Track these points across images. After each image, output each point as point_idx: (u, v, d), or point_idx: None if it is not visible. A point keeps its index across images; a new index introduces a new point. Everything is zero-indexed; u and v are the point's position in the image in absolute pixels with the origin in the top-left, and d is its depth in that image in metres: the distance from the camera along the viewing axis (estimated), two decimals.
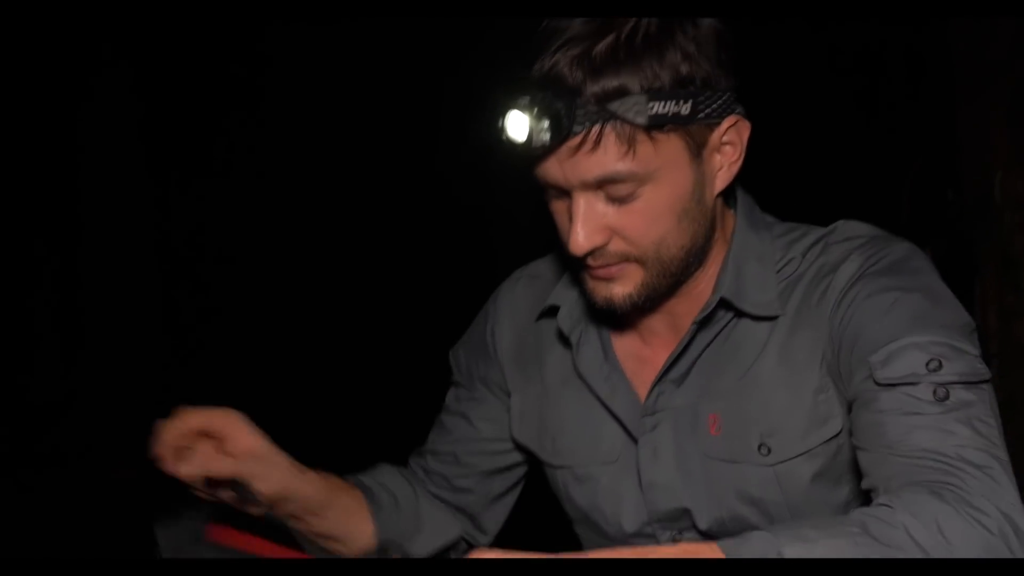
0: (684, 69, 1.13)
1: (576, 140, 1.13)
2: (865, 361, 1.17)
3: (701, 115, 1.16)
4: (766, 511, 1.29)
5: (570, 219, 1.20)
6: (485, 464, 1.51)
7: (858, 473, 1.28)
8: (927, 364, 1.13)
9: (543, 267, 1.49)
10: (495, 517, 1.53)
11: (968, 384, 1.13)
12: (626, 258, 1.22)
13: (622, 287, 1.24)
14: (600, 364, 1.36)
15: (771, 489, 1.28)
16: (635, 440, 1.34)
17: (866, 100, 5.24)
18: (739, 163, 1.24)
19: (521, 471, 1.53)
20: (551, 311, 1.40)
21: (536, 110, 1.10)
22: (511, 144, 1.14)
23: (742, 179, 1.32)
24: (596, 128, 1.12)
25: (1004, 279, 3.17)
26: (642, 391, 1.35)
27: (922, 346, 1.14)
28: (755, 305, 1.28)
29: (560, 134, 1.12)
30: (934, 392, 1.11)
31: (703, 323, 1.30)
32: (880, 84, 5.04)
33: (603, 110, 1.11)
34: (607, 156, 1.14)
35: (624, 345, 1.37)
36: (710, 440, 1.30)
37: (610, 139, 1.13)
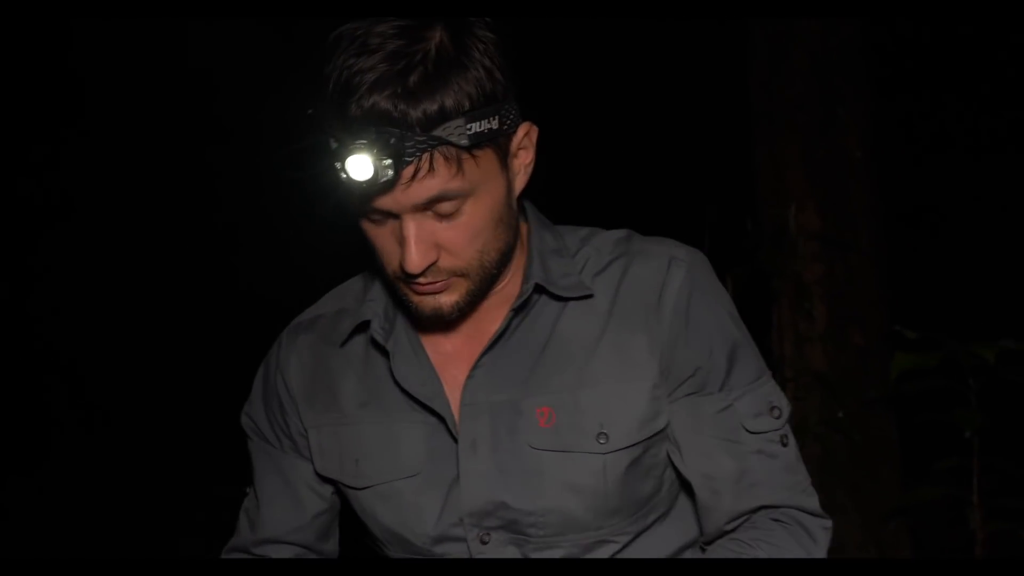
0: (488, 86, 1.19)
1: (411, 169, 1.17)
2: (714, 390, 1.35)
3: (506, 126, 1.23)
4: (587, 499, 1.35)
5: (397, 241, 1.25)
6: (323, 523, 1.51)
7: (664, 475, 1.40)
8: (771, 411, 1.37)
9: (320, 309, 1.51)
10: (333, 537, 1.55)
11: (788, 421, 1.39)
12: (453, 273, 1.27)
13: (449, 297, 1.29)
14: (416, 370, 1.39)
15: (597, 477, 1.34)
16: (455, 439, 1.37)
17: (669, 136, 5.43)
18: (533, 164, 1.32)
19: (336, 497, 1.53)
20: (358, 329, 1.43)
21: (376, 149, 1.15)
22: (353, 184, 1.17)
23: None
24: (427, 156, 1.17)
25: (797, 307, 3.33)
26: (453, 386, 1.39)
27: (771, 394, 1.38)
28: (564, 288, 1.36)
29: (400, 167, 1.16)
30: (781, 440, 1.37)
31: (517, 311, 1.36)
32: (683, 120, 5.23)
33: (430, 137, 1.16)
34: (439, 178, 1.19)
35: (431, 345, 1.41)
36: (539, 432, 1.35)
37: (440, 163, 1.18)
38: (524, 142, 1.28)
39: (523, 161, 1.30)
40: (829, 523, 1.38)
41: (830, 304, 3.31)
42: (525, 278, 1.36)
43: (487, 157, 1.22)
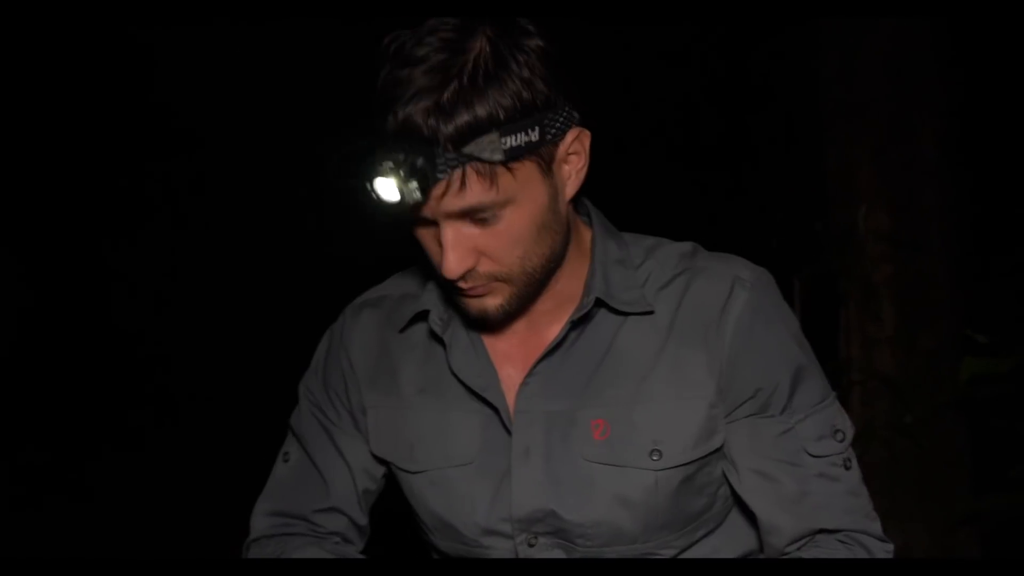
0: (526, 97, 1.18)
1: (442, 186, 1.18)
2: (777, 414, 1.35)
3: (548, 136, 1.22)
4: (637, 513, 1.35)
5: (439, 245, 1.26)
6: (370, 500, 1.53)
7: (718, 492, 1.40)
8: (835, 434, 1.36)
9: (385, 290, 1.53)
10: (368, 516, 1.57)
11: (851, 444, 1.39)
12: (494, 278, 1.28)
13: (494, 300, 1.30)
14: (473, 361, 1.41)
15: (648, 493, 1.35)
16: (509, 432, 1.38)
17: (741, 136, 5.40)
18: (585, 169, 1.31)
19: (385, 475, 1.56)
20: (418, 318, 1.45)
21: (402, 172, 1.16)
22: (384, 204, 1.19)
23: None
24: (458, 172, 1.18)
25: (865, 309, 3.29)
26: (510, 387, 1.40)
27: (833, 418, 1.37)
28: (625, 303, 1.36)
29: (428, 187, 1.16)
30: (844, 463, 1.36)
31: (577, 323, 1.37)
32: (754, 121, 5.20)
33: (461, 155, 1.17)
34: (472, 193, 1.20)
35: (488, 341, 1.42)
36: (593, 444, 1.35)
37: (472, 178, 1.18)
38: (574, 147, 1.27)
39: (574, 167, 1.29)
40: (891, 547, 1.37)
41: (899, 307, 3.26)
42: (586, 290, 1.36)
43: (526, 168, 1.21)
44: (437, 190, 1.18)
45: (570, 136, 1.26)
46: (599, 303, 1.36)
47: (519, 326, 1.40)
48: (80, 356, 6.45)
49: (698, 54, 5.42)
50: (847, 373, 3.26)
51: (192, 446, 5.71)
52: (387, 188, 1.17)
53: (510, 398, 1.38)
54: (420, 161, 1.15)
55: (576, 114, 1.26)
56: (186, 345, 6.42)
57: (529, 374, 1.37)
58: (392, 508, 1.55)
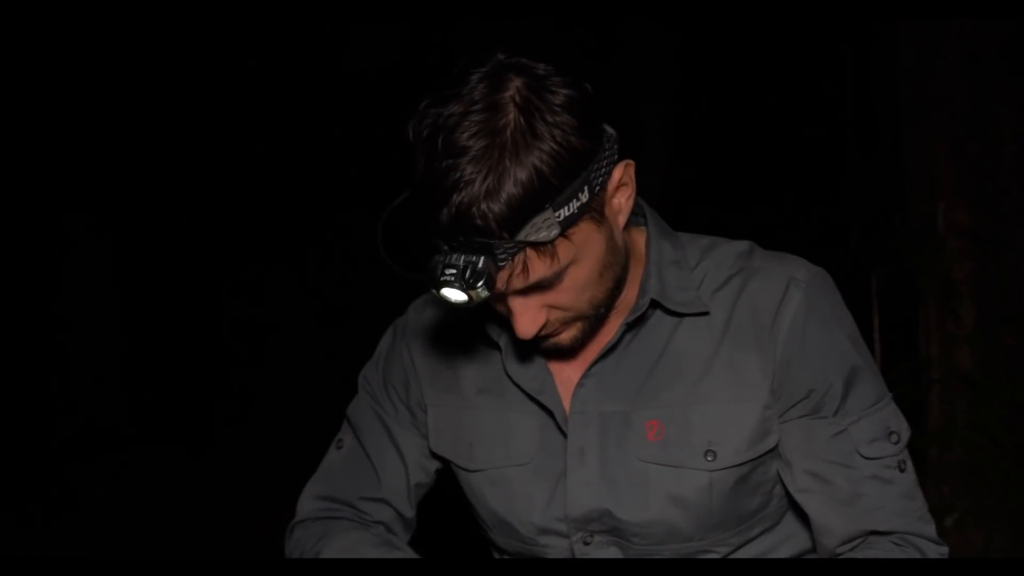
0: (569, 160, 1.16)
1: (505, 273, 1.19)
2: (831, 416, 1.34)
3: (597, 188, 1.20)
4: (692, 513, 1.36)
5: (507, 306, 1.27)
6: (419, 494, 1.55)
7: (773, 491, 1.41)
8: (889, 436, 1.35)
9: None
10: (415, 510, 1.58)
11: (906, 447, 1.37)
12: (565, 321, 1.30)
13: (568, 334, 1.32)
14: (528, 364, 1.42)
15: (703, 493, 1.35)
16: (564, 434, 1.39)
17: (819, 132, 5.36)
18: (634, 195, 1.29)
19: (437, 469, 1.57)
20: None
21: (467, 275, 1.16)
22: (454, 305, 1.21)
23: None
24: (520, 257, 1.18)
25: (945, 307, 3.25)
26: (566, 388, 1.41)
27: (885, 420, 1.36)
28: (680, 304, 1.36)
29: (493, 285, 1.17)
30: (898, 465, 1.34)
31: (632, 325, 1.37)
32: (832, 117, 5.15)
33: (518, 243, 1.16)
34: (535, 272, 1.20)
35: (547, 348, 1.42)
36: (647, 445, 1.36)
37: (533, 259, 1.19)
38: (622, 180, 1.25)
39: (623, 197, 1.27)
40: (946, 550, 1.36)
41: (979, 304, 3.22)
42: (641, 291, 1.36)
43: (582, 229, 1.21)
44: (501, 275, 1.19)
45: (616, 174, 1.24)
46: (654, 304, 1.36)
47: None
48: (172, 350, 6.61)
49: (774, 51, 5.38)
50: (927, 372, 3.22)
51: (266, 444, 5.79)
52: (454, 294, 1.18)
53: (566, 399, 1.40)
54: (481, 262, 1.16)
55: (616, 146, 1.25)
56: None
57: (584, 375, 1.38)
58: (444, 504, 1.56)
